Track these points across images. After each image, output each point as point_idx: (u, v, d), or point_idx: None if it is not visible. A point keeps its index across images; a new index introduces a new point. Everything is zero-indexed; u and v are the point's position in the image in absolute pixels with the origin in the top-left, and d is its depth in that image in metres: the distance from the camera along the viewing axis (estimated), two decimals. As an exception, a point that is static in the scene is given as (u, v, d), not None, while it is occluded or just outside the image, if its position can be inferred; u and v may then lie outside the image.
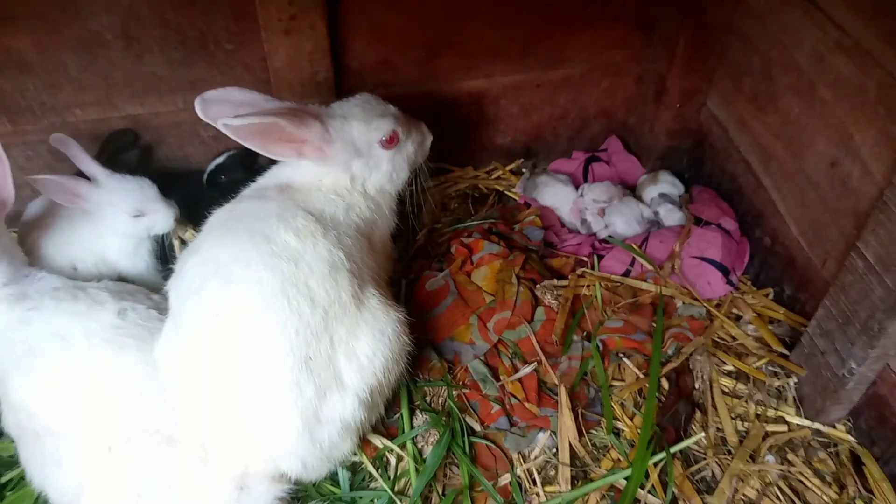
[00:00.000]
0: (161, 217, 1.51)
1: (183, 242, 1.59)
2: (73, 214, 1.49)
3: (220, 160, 1.65)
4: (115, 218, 1.49)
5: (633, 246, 1.68)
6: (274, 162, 1.33)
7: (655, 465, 1.30)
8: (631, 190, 1.88)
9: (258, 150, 1.23)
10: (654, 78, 1.75)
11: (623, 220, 1.71)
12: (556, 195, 1.78)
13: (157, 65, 1.53)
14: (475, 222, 1.75)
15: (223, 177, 1.65)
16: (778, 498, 1.29)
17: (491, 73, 1.74)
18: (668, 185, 1.80)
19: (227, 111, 1.24)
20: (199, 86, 1.57)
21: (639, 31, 1.70)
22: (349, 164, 1.32)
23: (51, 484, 1.23)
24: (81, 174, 1.48)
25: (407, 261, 1.69)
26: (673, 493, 1.28)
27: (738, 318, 1.59)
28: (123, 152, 1.61)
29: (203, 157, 1.65)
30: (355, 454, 1.32)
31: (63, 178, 1.41)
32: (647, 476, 1.29)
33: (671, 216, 1.75)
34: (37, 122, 1.57)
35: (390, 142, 1.34)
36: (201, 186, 1.66)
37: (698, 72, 1.67)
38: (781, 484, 1.30)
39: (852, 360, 1.27)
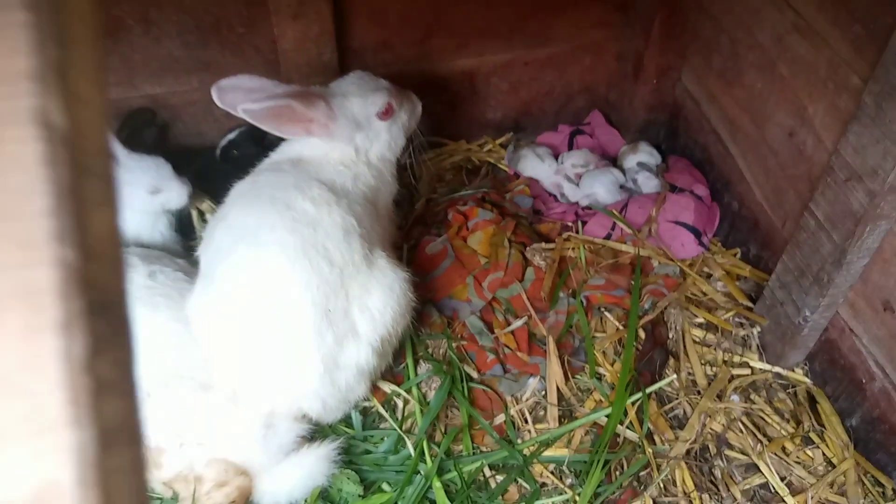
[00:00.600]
0: (175, 193, 1.63)
1: (200, 213, 1.72)
2: None
3: (231, 136, 1.77)
4: (133, 195, 1.61)
5: (614, 212, 1.83)
6: (280, 136, 1.47)
7: (633, 404, 1.47)
8: (612, 160, 2.03)
9: (273, 131, 1.36)
10: (632, 56, 1.89)
11: (603, 188, 1.85)
12: (534, 168, 1.92)
13: (174, 47, 1.65)
14: (469, 192, 1.89)
15: (235, 151, 1.77)
16: (741, 431, 1.46)
17: (482, 53, 1.87)
18: (646, 154, 1.95)
19: (241, 97, 1.37)
20: (212, 67, 1.69)
21: (617, 11, 1.84)
22: (352, 138, 1.45)
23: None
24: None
25: (407, 228, 1.83)
26: (649, 428, 1.45)
27: (708, 276, 1.75)
28: (143, 129, 1.73)
29: (216, 132, 1.78)
30: (367, 399, 1.48)
31: None
32: (625, 414, 1.46)
33: (648, 184, 1.90)
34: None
35: (386, 113, 1.47)
36: (214, 160, 1.78)
37: (672, 50, 1.81)
38: (745, 420, 1.48)
39: (806, 309, 1.43)
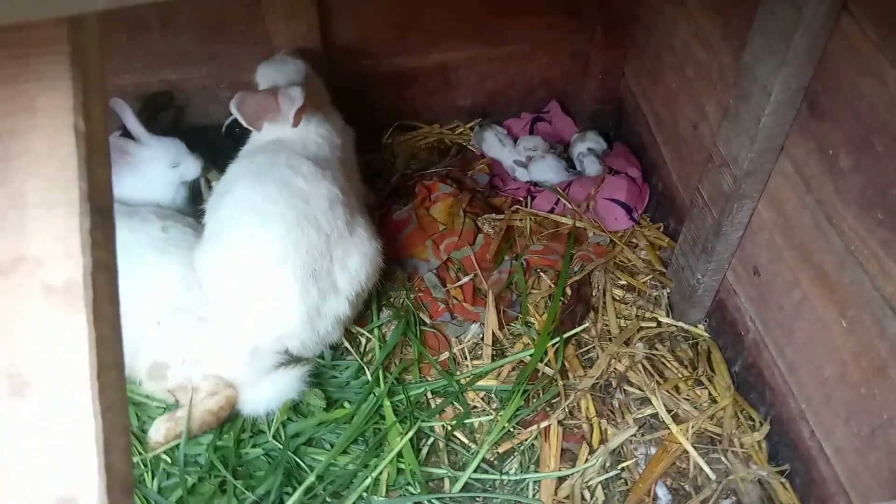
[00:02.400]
0: (191, 166, 1.94)
1: (208, 182, 2.04)
2: (120, 166, 1.92)
3: (233, 117, 2.09)
4: (156, 169, 1.92)
5: (558, 189, 2.13)
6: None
7: (553, 346, 1.78)
8: (567, 145, 2.33)
9: (249, 126, 1.65)
10: (581, 55, 2.17)
11: (551, 170, 2.16)
12: (495, 150, 2.23)
13: (187, 41, 1.97)
14: (436, 170, 2.21)
15: (236, 129, 2.09)
16: (641, 372, 1.76)
17: (451, 49, 2.16)
18: (593, 142, 2.24)
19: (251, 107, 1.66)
20: (218, 58, 2.01)
21: (569, 16, 2.11)
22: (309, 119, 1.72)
23: (116, 350, 1.72)
24: (124, 131, 1.93)
25: (383, 198, 2.15)
26: (564, 366, 1.76)
27: (635, 246, 2.04)
28: (162, 111, 2.07)
29: (221, 114, 2.09)
30: (339, 339, 1.81)
31: (116, 138, 1.85)
32: (546, 354, 1.77)
33: (593, 167, 2.20)
34: (93, 85, 2.02)
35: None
36: (220, 137, 2.11)
37: (614, 51, 2.09)
38: (645, 363, 1.78)
39: (698, 273, 1.72)
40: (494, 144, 2.25)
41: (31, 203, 0.55)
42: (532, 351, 1.77)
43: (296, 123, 1.64)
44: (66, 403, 0.52)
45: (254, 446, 1.63)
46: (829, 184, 1.31)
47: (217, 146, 2.05)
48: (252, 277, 1.59)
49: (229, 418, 1.64)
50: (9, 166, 0.56)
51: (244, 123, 1.64)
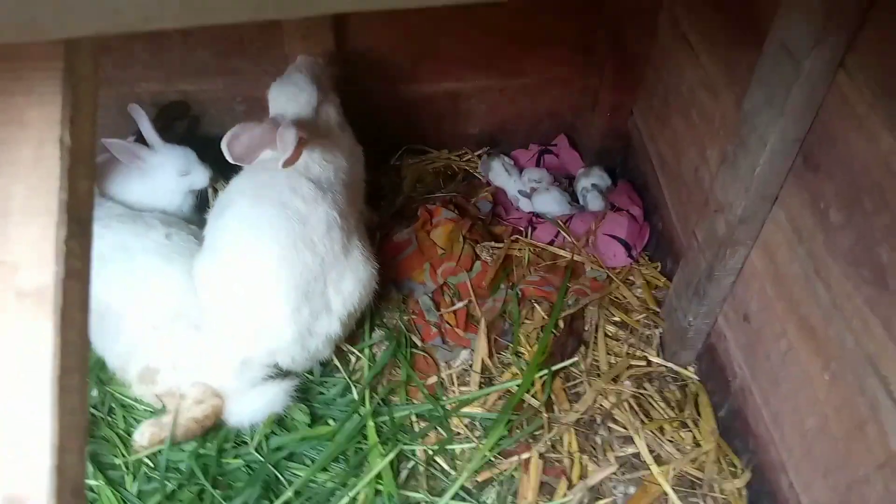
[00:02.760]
0: (200, 176, 1.99)
1: (216, 191, 2.08)
2: (131, 170, 1.95)
3: None
4: (166, 176, 1.97)
5: (559, 222, 2.15)
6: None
7: (541, 378, 1.79)
8: (572, 179, 2.35)
9: (239, 163, 1.65)
10: (591, 91, 2.20)
11: (554, 203, 2.18)
12: (500, 179, 2.26)
13: (206, 55, 2.02)
14: (440, 194, 2.23)
15: None
16: (627, 410, 1.76)
17: (462, 78, 2.20)
18: (597, 178, 2.26)
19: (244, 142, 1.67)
20: (235, 73, 2.06)
21: (580, 53, 2.15)
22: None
23: (109, 350, 1.74)
24: (138, 136, 1.98)
25: (388, 217, 2.18)
26: (551, 398, 1.76)
27: (632, 284, 2.05)
28: (177, 120, 2.12)
29: (234, 125, 2.14)
30: (329, 356, 1.83)
31: (130, 143, 1.90)
32: (533, 385, 1.78)
33: (596, 202, 2.21)
34: (111, 90, 2.08)
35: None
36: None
37: (623, 89, 2.12)
38: (632, 401, 1.78)
39: (690, 315, 1.73)
40: (500, 174, 2.28)
41: (14, 210, 0.58)
42: (520, 381, 1.77)
43: (288, 164, 1.59)
44: (24, 404, 0.54)
45: (235, 457, 1.64)
46: (819, 237, 1.31)
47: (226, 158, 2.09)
48: (246, 295, 1.61)
49: (214, 428, 1.65)
50: (-6, 175, 0.58)
51: (231, 159, 1.64)
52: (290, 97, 1.71)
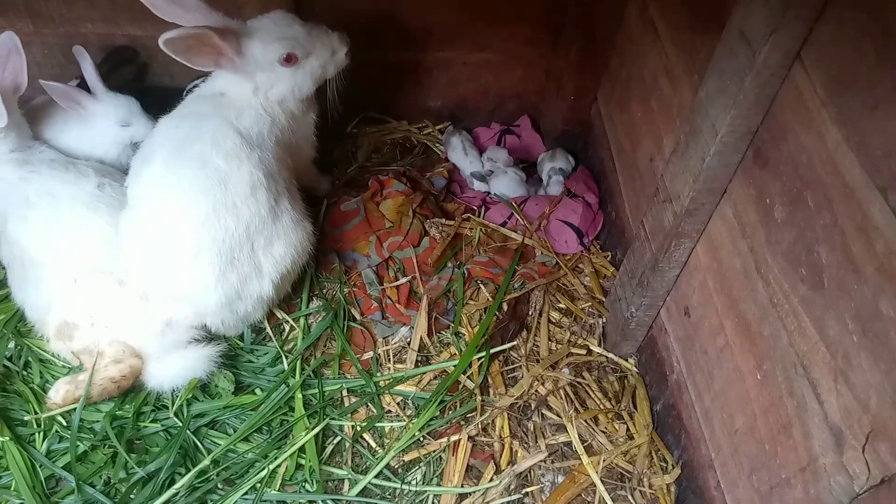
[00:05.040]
0: (142, 128, 1.89)
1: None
2: (69, 115, 1.85)
3: (197, 82, 2.04)
4: (106, 126, 1.87)
5: (514, 204, 2.10)
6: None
7: (479, 360, 1.74)
8: (533, 163, 2.30)
9: (186, 62, 1.52)
10: (555, 74, 2.15)
11: (512, 184, 2.13)
12: (457, 158, 2.20)
13: (156, -1, 1.92)
14: (395, 167, 2.17)
15: None
16: (562, 398, 1.73)
17: (426, 48, 2.13)
18: (563, 161, 2.22)
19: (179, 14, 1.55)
20: (186, 21, 1.96)
21: (547, 34, 2.09)
22: (253, 76, 1.61)
23: (28, 301, 1.66)
24: (82, 81, 1.87)
25: (338, 186, 2.11)
26: (487, 381, 1.73)
27: (580, 272, 2.01)
28: (123, 66, 2.01)
29: (184, 76, 2.02)
30: (262, 322, 1.76)
31: (70, 88, 1.80)
32: (470, 367, 1.73)
33: (556, 187, 2.17)
34: (54, 28, 1.96)
35: (288, 60, 1.60)
36: (180, 100, 2.05)
37: (587, 74, 2.07)
38: (569, 390, 1.74)
39: (632, 306, 1.70)
40: (458, 151, 2.22)
41: None
42: (457, 362, 1.73)
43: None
44: None
45: (154, 421, 1.58)
46: (762, 233, 1.28)
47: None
48: (170, 262, 1.53)
49: (132, 389, 1.59)
50: None
51: (177, 58, 1.51)
52: (270, 27, 1.61)
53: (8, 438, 1.48)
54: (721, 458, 1.43)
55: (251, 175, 1.56)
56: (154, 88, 2.08)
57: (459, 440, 1.60)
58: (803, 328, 1.17)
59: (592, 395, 1.76)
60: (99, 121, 1.85)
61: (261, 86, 1.64)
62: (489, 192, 2.16)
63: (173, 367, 1.57)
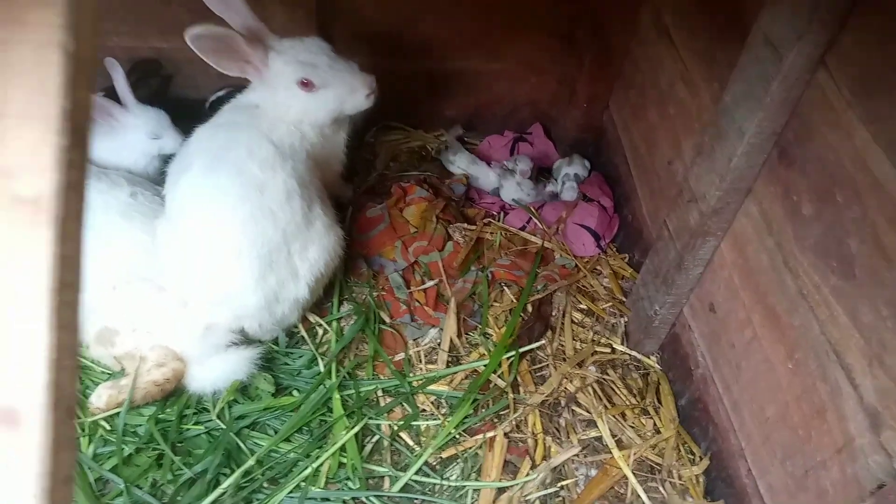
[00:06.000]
0: (171, 140, 1.92)
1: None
2: (98, 126, 1.88)
3: (220, 93, 2.08)
4: (136, 137, 1.90)
5: (532, 209, 2.16)
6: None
7: (508, 359, 1.79)
8: (546, 169, 2.36)
9: (213, 64, 1.56)
10: (568, 82, 2.22)
11: (522, 191, 2.19)
12: (472, 167, 2.25)
13: (181, 12, 1.96)
14: (415, 173, 2.22)
15: (221, 107, 2.09)
16: (590, 395, 1.78)
17: (443, 58, 2.19)
18: (579, 167, 2.28)
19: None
20: (212, 34, 2.00)
21: (561, 43, 2.16)
22: (276, 91, 1.65)
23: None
24: (111, 93, 1.91)
25: (360, 193, 2.15)
26: (516, 379, 1.77)
27: (599, 273, 2.08)
28: (149, 78, 2.05)
29: (209, 88, 2.08)
30: (296, 326, 1.80)
31: (103, 100, 1.83)
32: (500, 366, 1.78)
33: (571, 192, 2.23)
34: (81, 43, 2.00)
35: (304, 85, 1.65)
36: (203, 112, 2.09)
37: (601, 81, 2.14)
38: (596, 387, 1.80)
39: (656, 304, 1.76)
40: (467, 161, 2.26)
41: (10, 113, 0.55)
42: (487, 361, 1.78)
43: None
44: (19, 315, 0.51)
45: (196, 423, 1.60)
46: (789, 229, 1.35)
47: (200, 120, 2.03)
48: (209, 267, 1.57)
49: (174, 392, 1.61)
50: (-9, 75, 0.55)
51: (203, 56, 1.55)
52: (302, 50, 1.65)
53: (55, 443, 1.49)
54: (752, 447, 1.49)
55: (285, 183, 1.60)
56: (179, 100, 2.11)
57: (495, 436, 1.64)
58: (835, 317, 1.23)
59: (618, 392, 1.82)
60: (130, 132, 1.88)
61: (280, 103, 1.69)
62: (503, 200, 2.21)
63: (215, 369, 1.60)
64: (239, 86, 1.81)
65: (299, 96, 1.67)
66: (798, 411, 1.34)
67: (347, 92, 1.71)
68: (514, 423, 1.69)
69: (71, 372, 0.53)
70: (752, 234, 1.47)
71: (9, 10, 0.55)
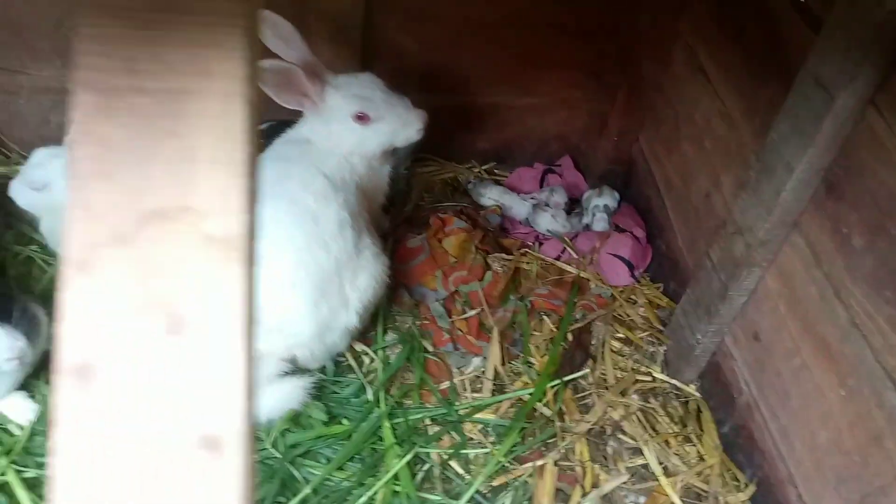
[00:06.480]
0: None
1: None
2: None
3: (262, 126, 2.13)
4: None
5: (566, 239, 2.21)
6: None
7: (552, 388, 1.82)
8: (575, 200, 2.42)
9: (272, 95, 1.62)
10: (599, 115, 2.28)
11: (557, 223, 2.23)
12: (505, 197, 2.30)
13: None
14: (451, 204, 2.27)
15: (262, 141, 2.14)
16: (635, 423, 1.81)
17: (478, 94, 2.25)
18: (609, 198, 2.33)
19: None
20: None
21: (592, 77, 2.23)
22: (329, 124, 1.71)
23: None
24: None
25: (397, 224, 2.19)
26: (561, 408, 1.80)
27: (634, 303, 2.12)
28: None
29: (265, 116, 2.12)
30: (342, 354, 1.82)
31: None
32: (544, 395, 1.81)
33: (601, 224, 2.28)
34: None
35: (360, 118, 1.71)
36: (261, 140, 2.14)
37: (632, 116, 2.20)
38: (640, 415, 1.83)
39: (698, 333, 1.80)
40: (504, 192, 2.31)
41: (200, 158, 0.58)
42: (531, 390, 1.80)
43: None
44: (219, 347, 0.54)
45: (250, 452, 1.61)
46: (839, 261, 1.40)
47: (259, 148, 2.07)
48: (264, 294, 1.59)
49: (229, 421, 1.62)
50: (184, 122, 0.59)
51: (266, 90, 1.61)
52: (357, 85, 1.72)
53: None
54: (803, 473, 1.51)
55: (338, 214, 1.64)
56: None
57: (545, 464, 1.66)
58: (891, 345, 1.27)
59: (660, 420, 1.84)
60: None
61: (333, 135, 1.74)
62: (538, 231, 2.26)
63: (270, 398, 1.62)
64: (281, 120, 1.87)
65: (354, 129, 1.72)
66: (852, 437, 1.37)
67: (400, 125, 1.77)
68: (562, 451, 1.71)
69: (253, 403, 0.56)
70: (799, 265, 1.51)
71: (197, 63, 0.60)
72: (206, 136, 0.59)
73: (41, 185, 1.81)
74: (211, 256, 0.56)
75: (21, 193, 1.85)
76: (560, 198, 2.24)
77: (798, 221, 1.51)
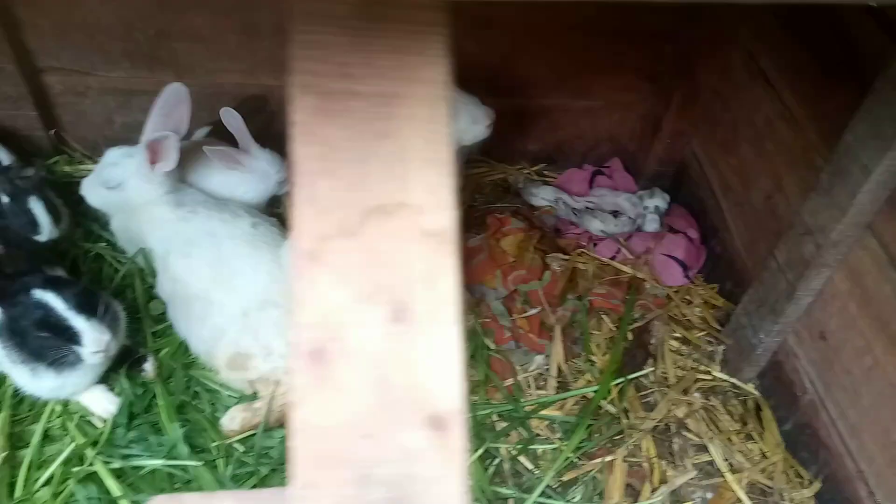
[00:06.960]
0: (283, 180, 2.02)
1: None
2: (214, 164, 1.96)
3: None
4: (261, 180, 1.99)
5: (621, 240, 2.24)
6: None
7: (616, 386, 1.85)
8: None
9: None
10: (653, 118, 2.31)
11: (612, 223, 2.27)
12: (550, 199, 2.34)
13: (294, 51, 2.05)
14: (504, 205, 2.30)
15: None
16: (698, 420, 1.84)
17: (532, 96, 2.28)
18: (661, 200, 2.36)
19: None
20: (320, 71, 2.09)
21: (646, 80, 2.26)
22: None
23: (193, 335, 1.74)
24: (218, 127, 1.99)
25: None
26: (626, 406, 1.83)
27: (689, 303, 2.14)
28: (257, 114, 2.14)
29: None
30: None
31: (231, 149, 1.92)
32: (609, 392, 1.84)
33: (652, 224, 2.31)
34: (194, 78, 2.08)
35: None
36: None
37: (686, 118, 2.23)
38: (702, 413, 1.86)
39: (762, 333, 1.82)
40: (552, 194, 2.35)
41: (412, 158, 0.62)
42: (596, 387, 1.83)
43: None
44: (438, 333, 0.58)
45: (327, 446, 1.65)
46: (916, 261, 1.43)
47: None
48: None
49: (306, 415, 1.66)
50: (396, 124, 0.63)
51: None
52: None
53: (202, 464, 1.54)
54: (875, 469, 1.54)
55: None
56: (282, 136, 2.19)
57: (615, 460, 1.70)
58: (974, 344, 1.30)
59: (721, 418, 1.87)
60: (259, 175, 1.97)
61: None
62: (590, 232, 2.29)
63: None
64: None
65: None
66: (929, 436, 1.40)
67: (470, 122, 1.81)
68: (629, 447, 1.74)
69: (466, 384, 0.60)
70: (871, 266, 1.54)
71: (405, 70, 0.63)
72: (416, 137, 0.63)
73: (115, 183, 1.85)
74: (427, 249, 0.60)
75: (94, 192, 1.89)
76: (610, 198, 2.28)
77: (871, 222, 1.54)
